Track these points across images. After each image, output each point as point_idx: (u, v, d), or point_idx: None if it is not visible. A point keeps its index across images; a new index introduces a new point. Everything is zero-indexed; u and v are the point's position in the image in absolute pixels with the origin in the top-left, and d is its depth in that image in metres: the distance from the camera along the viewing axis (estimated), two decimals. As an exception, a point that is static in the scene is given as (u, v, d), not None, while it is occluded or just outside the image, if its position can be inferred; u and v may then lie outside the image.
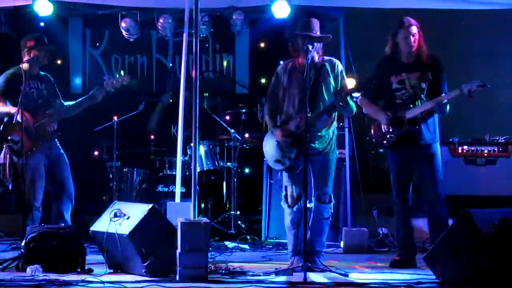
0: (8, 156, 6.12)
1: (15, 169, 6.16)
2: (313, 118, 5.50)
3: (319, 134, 5.61)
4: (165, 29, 8.09)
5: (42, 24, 7.96)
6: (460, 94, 5.59)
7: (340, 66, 5.74)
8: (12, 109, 6.11)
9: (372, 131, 5.97)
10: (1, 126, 6.11)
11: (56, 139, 6.41)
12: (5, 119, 6.16)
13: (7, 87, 6.23)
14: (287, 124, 5.67)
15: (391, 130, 5.79)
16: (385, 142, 5.85)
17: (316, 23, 5.63)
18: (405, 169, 5.87)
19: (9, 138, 6.10)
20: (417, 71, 5.77)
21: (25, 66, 6.01)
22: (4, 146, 6.12)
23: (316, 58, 5.62)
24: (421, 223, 6.67)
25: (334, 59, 5.75)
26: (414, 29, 5.74)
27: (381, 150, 5.95)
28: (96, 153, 8.26)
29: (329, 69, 5.66)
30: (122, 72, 6.60)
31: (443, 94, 5.69)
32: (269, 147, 5.78)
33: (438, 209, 5.82)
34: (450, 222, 5.81)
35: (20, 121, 5.83)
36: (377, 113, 5.89)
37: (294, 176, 5.65)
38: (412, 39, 5.73)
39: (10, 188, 6.18)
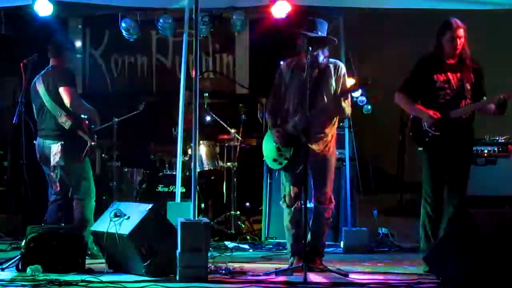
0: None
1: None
2: (310, 119, 5.49)
3: (317, 135, 5.60)
4: (165, 29, 8.09)
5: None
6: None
7: (343, 69, 5.72)
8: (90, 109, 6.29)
9: (412, 129, 5.86)
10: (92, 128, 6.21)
11: None
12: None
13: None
14: (286, 123, 5.67)
15: (433, 128, 5.68)
16: (426, 139, 5.73)
17: (320, 24, 5.59)
18: (441, 167, 5.73)
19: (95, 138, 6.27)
20: (461, 72, 5.69)
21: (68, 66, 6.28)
22: (91, 147, 6.18)
23: (321, 59, 5.62)
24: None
25: (339, 62, 5.75)
26: (461, 32, 5.66)
27: (420, 148, 5.87)
28: (96, 153, 8.25)
29: (332, 71, 5.66)
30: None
31: (484, 98, 5.64)
32: (267, 146, 5.78)
33: (457, 211, 5.71)
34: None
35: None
36: (420, 112, 5.75)
37: (292, 176, 5.65)
38: (458, 41, 5.65)
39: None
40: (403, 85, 5.83)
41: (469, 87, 5.68)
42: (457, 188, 5.73)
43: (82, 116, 6.16)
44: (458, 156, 5.72)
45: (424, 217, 5.78)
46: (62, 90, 6.06)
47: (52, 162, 6.10)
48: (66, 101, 6.04)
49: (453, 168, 5.74)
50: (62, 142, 6.08)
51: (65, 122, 6.05)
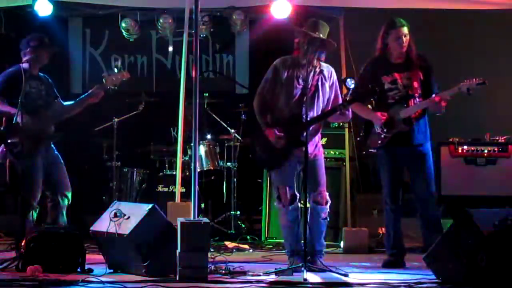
0: (7, 158, 6.07)
1: (14, 170, 6.12)
2: (310, 122, 5.49)
3: (311, 136, 5.56)
4: (165, 29, 8.09)
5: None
6: (458, 92, 5.60)
7: (334, 75, 5.73)
8: (11, 110, 6.03)
9: (364, 132, 5.97)
10: (2, 127, 6.07)
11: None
12: (5, 121, 6.12)
13: (7, 86, 6.20)
14: (280, 123, 5.61)
15: (385, 130, 5.77)
16: (379, 142, 5.82)
17: (322, 26, 5.57)
18: (397, 168, 5.87)
19: (9, 141, 6.06)
20: (408, 70, 5.78)
21: (25, 65, 6.00)
22: (3, 147, 6.08)
23: (315, 62, 5.60)
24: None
25: (330, 67, 5.72)
26: (405, 30, 5.75)
27: (373, 151, 5.93)
28: (96, 153, 8.26)
29: (326, 75, 5.65)
30: (120, 68, 6.49)
31: (437, 92, 5.70)
32: (260, 146, 5.72)
33: (431, 208, 5.84)
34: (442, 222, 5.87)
35: (19, 123, 5.78)
36: (369, 114, 5.88)
37: (286, 177, 5.63)
38: (404, 39, 5.74)
39: (4, 189, 6.17)
40: (353, 91, 5.85)
41: (416, 85, 5.73)
42: (423, 187, 5.80)
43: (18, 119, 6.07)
44: (413, 154, 5.81)
45: (386, 218, 5.94)
46: None
47: None
48: None
49: (411, 169, 5.86)
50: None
51: None
